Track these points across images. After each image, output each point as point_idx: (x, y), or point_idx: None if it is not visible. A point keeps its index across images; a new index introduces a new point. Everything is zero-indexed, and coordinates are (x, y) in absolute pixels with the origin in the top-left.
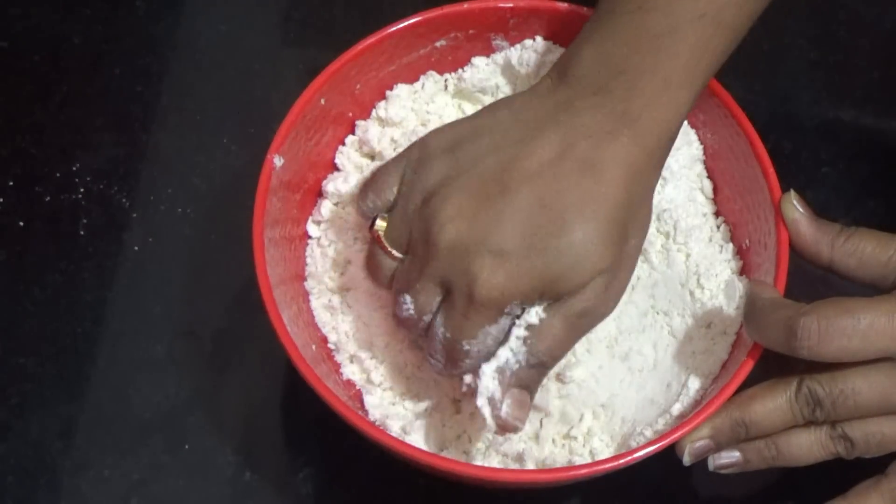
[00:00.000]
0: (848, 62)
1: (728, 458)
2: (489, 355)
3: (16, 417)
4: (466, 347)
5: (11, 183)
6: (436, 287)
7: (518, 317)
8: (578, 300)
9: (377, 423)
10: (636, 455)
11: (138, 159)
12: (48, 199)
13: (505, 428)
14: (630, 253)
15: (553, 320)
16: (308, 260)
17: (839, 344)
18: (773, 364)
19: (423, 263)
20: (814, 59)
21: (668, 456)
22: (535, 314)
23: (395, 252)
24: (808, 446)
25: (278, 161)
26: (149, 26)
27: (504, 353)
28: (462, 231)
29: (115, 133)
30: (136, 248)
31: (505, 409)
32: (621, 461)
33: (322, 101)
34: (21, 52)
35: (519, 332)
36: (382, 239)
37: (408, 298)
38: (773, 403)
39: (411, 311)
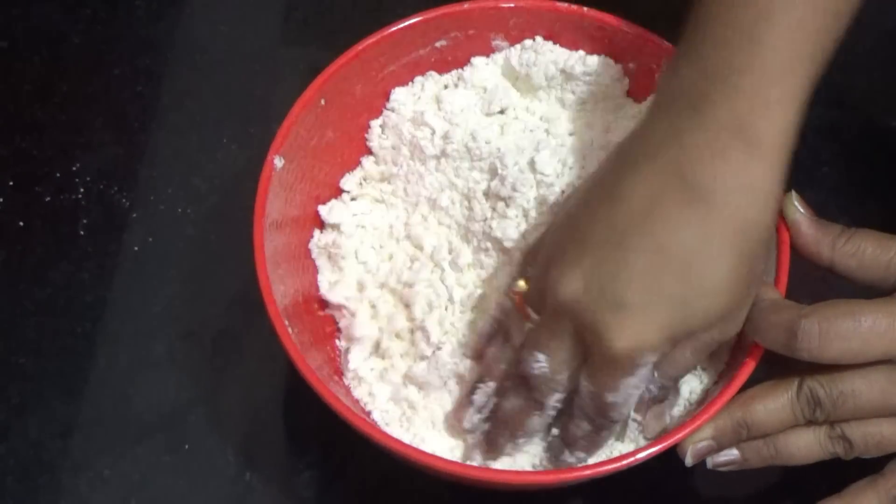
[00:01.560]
0: (848, 62)
1: (727, 456)
2: (634, 404)
3: (16, 417)
4: (611, 399)
5: (11, 183)
6: (572, 344)
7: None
8: (709, 334)
9: (378, 424)
10: (638, 456)
11: (138, 159)
12: (48, 199)
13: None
14: (757, 282)
15: (684, 351)
16: (309, 260)
17: (839, 346)
18: (775, 364)
19: (553, 322)
20: None
21: (670, 457)
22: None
23: (532, 314)
24: (806, 446)
25: (279, 162)
26: (149, 26)
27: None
28: (579, 288)
29: (115, 133)
30: (136, 248)
31: (651, 428)
32: (623, 462)
33: (322, 102)
34: (21, 52)
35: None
36: (524, 299)
37: (541, 356)
38: (775, 404)
39: (545, 369)
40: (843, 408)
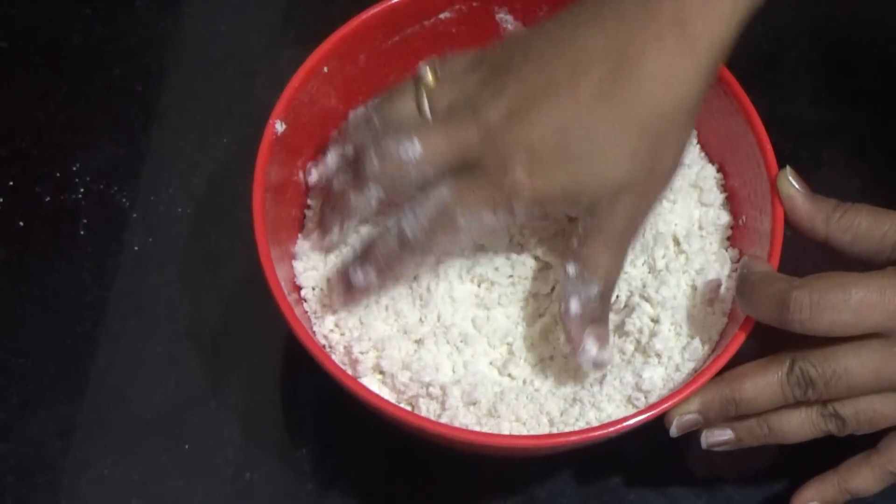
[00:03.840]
0: (848, 62)
1: (721, 436)
2: (462, 245)
3: (16, 417)
4: (459, 220)
5: (11, 183)
6: (456, 153)
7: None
8: (609, 222)
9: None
10: (625, 424)
11: (138, 159)
12: (48, 199)
13: (600, 366)
14: (663, 172)
15: (595, 247)
16: (305, 230)
17: (830, 318)
18: (766, 342)
19: (457, 128)
20: (814, 59)
21: (661, 433)
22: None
23: (426, 109)
24: (799, 424)
25: (279, 126)
26: (149, 26)
27: (573, 305)
28: (503, 115)
29: (115, 133)
30: (136, 248)
31: (590, 349)
32: (610, 429)
33: (325, 70)
34: (21, 52)
35: (570, 269)
36: (423, 88)
37: (417, 144)
38: (765, 382)
39: (411, 156)
40: (835, 387)
